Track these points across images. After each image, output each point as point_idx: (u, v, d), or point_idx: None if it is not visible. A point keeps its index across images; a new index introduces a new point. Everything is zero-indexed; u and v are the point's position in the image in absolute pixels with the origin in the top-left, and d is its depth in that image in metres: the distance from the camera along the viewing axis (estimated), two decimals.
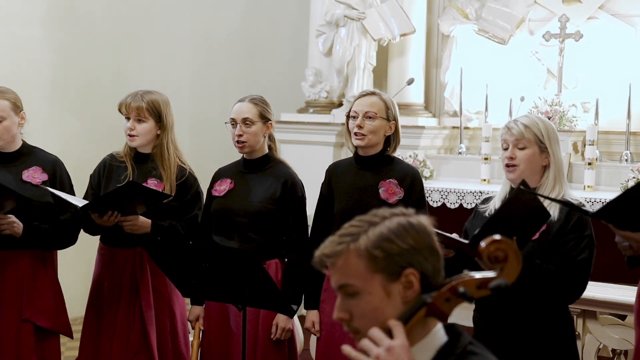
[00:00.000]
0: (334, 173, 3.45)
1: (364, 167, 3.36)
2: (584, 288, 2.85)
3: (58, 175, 3.59)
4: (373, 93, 3.37)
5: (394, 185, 3.30)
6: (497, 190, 3.06)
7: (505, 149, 2.91)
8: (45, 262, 3.57)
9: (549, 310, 2.84)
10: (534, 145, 2.87)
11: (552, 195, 2.82)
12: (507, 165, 2.90)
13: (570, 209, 2.76)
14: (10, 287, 3.47)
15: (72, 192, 3.61)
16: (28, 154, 3.59)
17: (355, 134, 3.30)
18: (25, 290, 3.49)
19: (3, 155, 3.53)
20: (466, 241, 2.69)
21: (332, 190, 3.41)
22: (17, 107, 3.54)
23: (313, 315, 3.44)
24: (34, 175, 3.53)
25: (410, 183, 3.31)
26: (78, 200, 3.41)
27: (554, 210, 2.80)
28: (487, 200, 3.06)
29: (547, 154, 2.88)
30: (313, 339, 4.53)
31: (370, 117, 3.28)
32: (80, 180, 3.77)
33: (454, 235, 2.74)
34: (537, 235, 2.75)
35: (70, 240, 3.61)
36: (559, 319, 2.88)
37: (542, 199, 2.71)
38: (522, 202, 2.64)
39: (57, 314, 3.59)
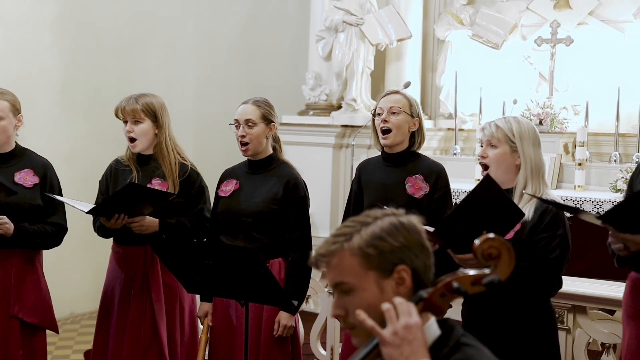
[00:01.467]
0: (364, 170, 3.48)
1: (391, 164, 3.38)
2: (558, 284, 2.82)
3: (48, 178, 3.59)
4: (397, 92, 3.42)
5: (420, 180, 3.32)
6: None
7: (481, 147, 2.96)
8: (33, 261, 3.57)
9: (531, 305, 2.84)
10: (504, 144, 2.86)
11: (527, 195, 2.81)
12: (482, 165, 2.94)
13: (557, 208, 2.75)
14: (0, 285, 3.48)
15: (60, 194, 3.60)
16: (20, 156, 3.57)
17: (382, 130, 3.33)
18: (14, 288, 3.49)
19: None
20: (431, 229, 2.64)
21: (361, 186, 3.44)
22: (15, 109, 3.53)
23: None
24: (25, 177, 3.52)
25: (435, 178, 3.33)
26: (83, 205, 3.42)
27: (528, 209, 2.78)
28: None
29: (518, 153, 2.86)
30: (314, 333, 4.54)
31: (394, 113, 3.31)
32: (88, 181, 3.78)
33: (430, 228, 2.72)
34: (511, 235, 2.72)
35: (55, 242, 3.60)
36: (541, 313, 2.87)
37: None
38: (487, 196, 2.59)
39: (44, 310, 3.59)
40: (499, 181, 2.81)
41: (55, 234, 3.56)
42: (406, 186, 3.32)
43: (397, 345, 1.52)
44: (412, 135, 3.38)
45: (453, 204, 3.32)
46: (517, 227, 2.75)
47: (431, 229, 2.63)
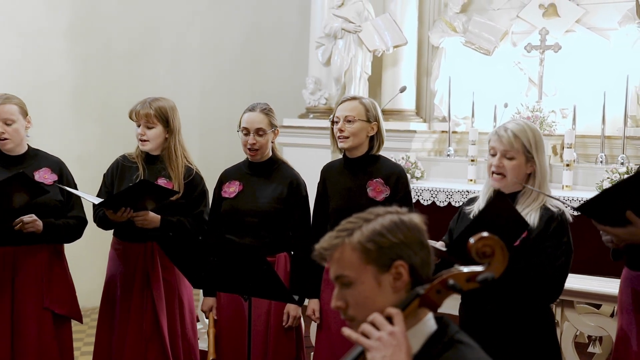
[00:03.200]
0: (328, 174, 3.45)
1: (352, 168, 3.35)
2: (561, 290, 2.77)
3: (65, 174, 3.62)
4: (353, 98, 3.36)
5: (380, 184, 3.29)
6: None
7: (493, 155, 2.79)
8: (59, 255, 3.61)
9: (531, 308, 2.76)
10: (521, 155, 2.73)
11: (536, 203, 2.73)
12: (494, 173, 2.78)
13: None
14: (31, 279, 3.49)
15: (76, 189, 3.63)
16: (34, 157, 3.60)
17: (339, 137, 3.30)
18: (45, 281, 3.52)
19: (11, 158, 3.53)
20: (444, 249, 2.65)
21: (326, 190, 3.41)
22: (24, 111, 3.55)
23: (314, 304, 3.44)
24: (45, 176, 3.54)
25: (395, 181, 3.29)
26: (95, 199, 3.43)
27: (533, 217, 2.70)
28: (471, 201, 2.95)
29: (532, 162, 2.75)
30: (313, 326, 4.53)
31: (349, 121, 3.28)
32: (99, 180, 3.78)
33: (438, 244, 2.69)
34: (517, 242, 2.65)
35: (78, 234, 3.64)
36: (540, 317, 2.79)
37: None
38: (497, 210, 2.56)
39: (71, 302, 3.63)
40: (507, 188, 2.78)
41: (78, 226, 3.60)
42: (367, 190, 3.28)
43: (379, 350, 1.51)
44: (372, 139, 3.34)
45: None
46: (524, 234, 2.68)
47: (437, 244, 2.62)
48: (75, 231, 3.59)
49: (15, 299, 3.47)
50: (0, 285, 3.47)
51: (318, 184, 3.48)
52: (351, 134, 3.27)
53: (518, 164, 2.74)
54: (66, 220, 3.54)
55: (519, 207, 2.72)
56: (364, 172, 3.32)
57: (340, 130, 3.28)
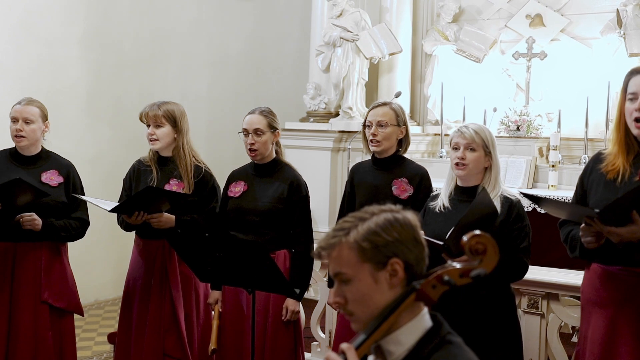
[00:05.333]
0: (356, 172, 3.45)
1: (380, 168, 3.35)
2: (527, 269, 2.91)
3: (71, 177, 3.62)
4: (384, 104, 3.37)
5: (405, 183, 3.29)
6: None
7: (456, 149, 2.95)
8: (59, 252, 3.60)
9: (494, 289, 2.87)
10: (481, 149, 2.92)
11: (494, 193, 2.89)
12: (457, 164, 2.94)
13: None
14: (30, 274, 3.50)
15: (82, 193, 3.64)
16: (45, 158, 3.61)
17: (371, 141, 3.30)
18: (43, 276, 3.52)
19: (25, 157, 3.56)
20: (440, 242, 2.68)
21: (353, 187, 3.41)
22: (44, 116, 3.58)
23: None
24: (51, 177, 3.56)
25: (419, 181, 3.30)
26: (107, 204, 3.43)
27: (495, 204, 2.83)
28: (434, 198, 3.09)
29: (489, 157, 2.93)
30: (314, 318, 4.52)
31: (382, 126, 3.28)
32: (112, 179, 3.79)
33: (435, 240, 2.73)
34: None
35: (79, 235, 3.63)
36: (503, 296, 2.92)
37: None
38: (482, 204, 2.68)
39: (70, 296, 3.62)
40: (469, 180, 2.96)
41: (79, 227, 3.60)
42: (392, 188, 3.29)
43: None
44: (400, 141, 3.36)
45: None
46: None
47: (434, 239, 2.64)
48: (76, 232, 3.58)
49: (14, 292, 3.48)
50: (0, 278, 3.47)
51: (346, 182, 3.51)
52: (383, 138, 3.28)
53: (479, 156, 2.92)
54: (68, 220, 3.54)
55: (478, 195, 2.83)
56: (390, 172, 3.32)
57: (374, 135, 3.28)
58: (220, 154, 6.82)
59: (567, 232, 2.76)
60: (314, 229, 3.53)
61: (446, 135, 6.61)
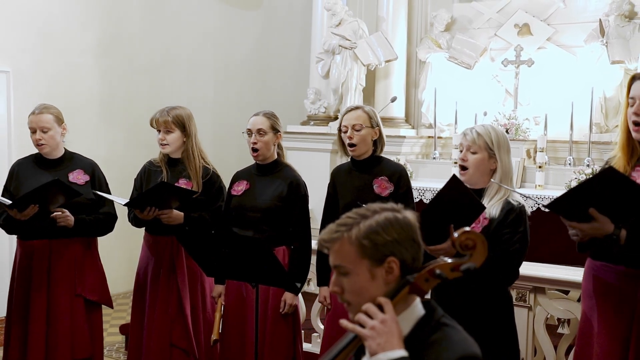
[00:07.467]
0: (337, 176, 3.43)
1: (359, 169, 3.34)
2: (516, 274, 2.73)
3: (97, 175, 3.64)
4: (357, 107, 3.33)
5: (385, 181, 3.28)
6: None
7: (461, 152, 2.84)
8: (91, 247, 3.61)
9: (490, 291, 2.74)
10: (483, 151, 2.75)
11: (497, 196, 2.73)
12: (460, 166, 2.82)
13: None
14: (65, 269, 3.51)
15: (108, 190, 3.66)
16: (70, 159, 3.62)
17: (349, 145, 3.28)
18: (77, 270, 3.52)
19: (50, 161, 3.57)
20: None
21: (336, 190, 3.40)
22: (59, 120, 3.58)
23: (324, 291, 3.42)
24: (78, 177, 3.57)
25: (397, 178, 3.28)
26: (122, 200, 3.44)
27: (496, 209, 2.70)
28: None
29: (495, 159, 2.76)
30: (314, 311, 4.52)
31: (357, 130, 3.26)
32: (123, 179, 3.80)
33: None
34: (479, 230, 2.64)
35: (109, 229, 3.65)
36: (499, 299, 2.78)
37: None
38: (451, 192, 2.50)
39: (102, 289, 3.63)
40: (474, 182, 2.79)
41: (108, 221, 3.61)
42: (374, 187, 3.27)
43: (374, 337, 1.50)
44: (374, 142, 3.33)
45: (414, 198, 3.23)
46: (485, 223, 2.69)
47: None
48: (105, 225, 3.60)
49: (51, 286, 3.49)
50: (37, 274, 3.48)
51: (328, 185, 3.46)
52: (360, 140, 3.26)
53: (480, 158, 2.76)
54: (97, 215, 3.56)
55: (484, 201, 2.73)
56: (369, 172, 3.31)
57: (350, 138, 3.26)
58: (225, 156, 6.81)
59: None
60: (312, 226, 3.53)
61: (439, 137, 6.63)
